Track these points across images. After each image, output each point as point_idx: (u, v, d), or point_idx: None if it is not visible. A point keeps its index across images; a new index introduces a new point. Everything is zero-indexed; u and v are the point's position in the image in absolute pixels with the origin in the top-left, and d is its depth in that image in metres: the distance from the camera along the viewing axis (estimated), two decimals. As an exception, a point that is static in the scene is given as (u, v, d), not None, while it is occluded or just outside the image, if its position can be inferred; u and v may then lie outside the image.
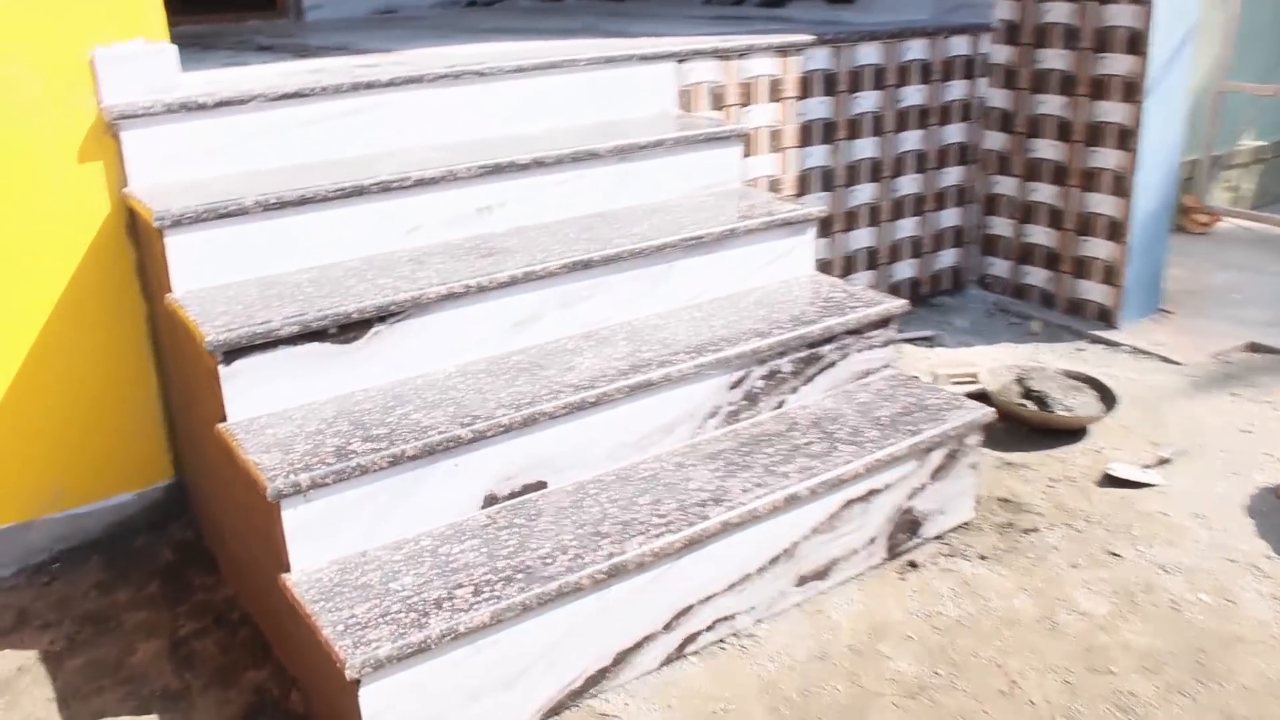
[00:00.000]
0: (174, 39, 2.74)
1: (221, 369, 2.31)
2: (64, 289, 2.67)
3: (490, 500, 2.39)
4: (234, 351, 2.31)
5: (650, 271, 2.85)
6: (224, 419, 2.35)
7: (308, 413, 2.37)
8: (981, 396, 3.52)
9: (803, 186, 3.88)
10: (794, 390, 2.83)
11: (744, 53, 3.58)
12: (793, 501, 2.45)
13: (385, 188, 2.69)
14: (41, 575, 2.78)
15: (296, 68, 3.18)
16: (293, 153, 2.84)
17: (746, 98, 3.64)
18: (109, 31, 2.60)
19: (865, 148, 4.01)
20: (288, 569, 2.18)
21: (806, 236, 3.15)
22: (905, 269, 4.30)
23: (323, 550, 2.21)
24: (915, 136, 4.13)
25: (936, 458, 2.75)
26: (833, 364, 2.89)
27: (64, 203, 2.62)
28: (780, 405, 2.81)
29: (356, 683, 1.96)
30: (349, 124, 2.90)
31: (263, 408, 2.37)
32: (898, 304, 2.96)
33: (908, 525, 2.75)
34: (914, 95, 4.07)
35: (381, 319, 2.47)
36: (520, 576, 2.15)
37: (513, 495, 2.42)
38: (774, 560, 2.49)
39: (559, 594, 2.13)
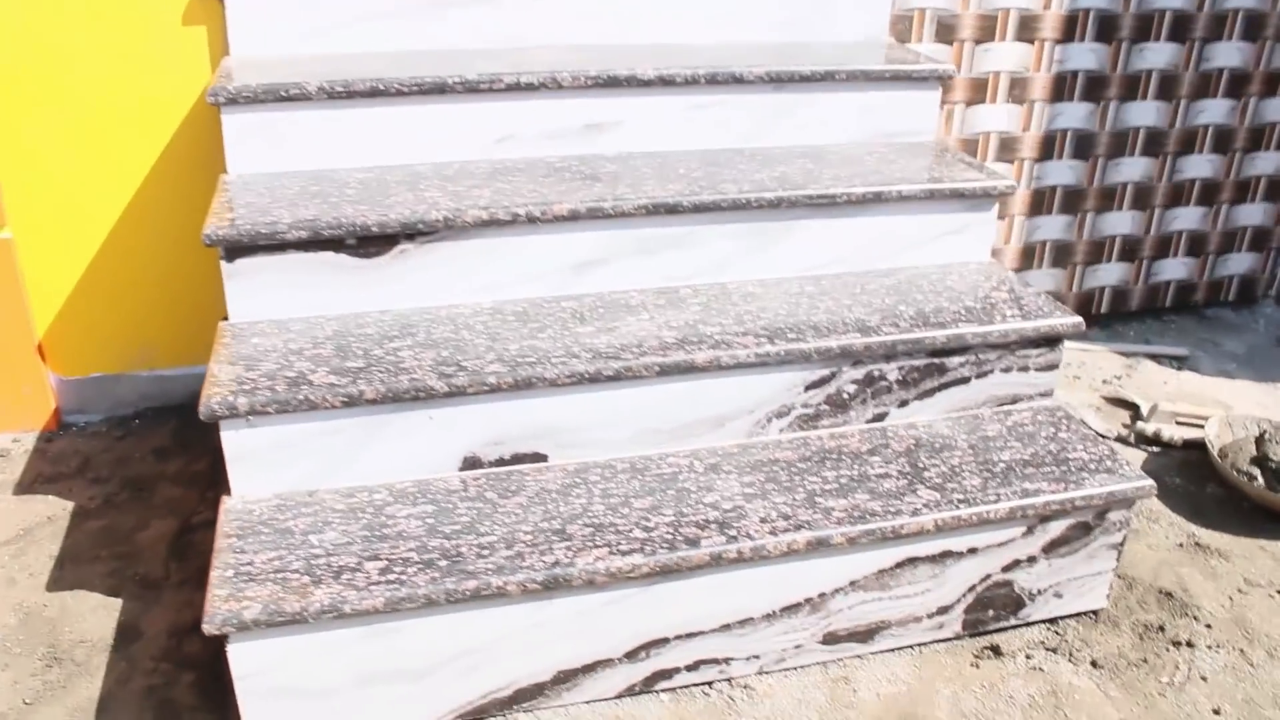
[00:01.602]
0: None
1: (224, 265, 2.15)
2: (161, 152, 2.61)
3: (471, 463, 2.10)
4: (236, 249, 2.14)
5: (760, 228, 2.39)
6: (226, 316, 2.21)
7: (306, 327, 2.18)
8: (1199, 449, 2.76)
9: (1046, 150, 3.16)
10: (902, 404, 2.30)
11: (989, -24, 2.91)
12: (820, 547, 1.97)
13: (471, 88, 2.39)
14: (121, 428, 2.83)
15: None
16: (410, 38, 2.60)
17: (987, 33, 2.97)
18: (221, -114, 2.46)
19: (1144, 113, 3.20)
20: (229, 492, 2.02)
21: (984, 215, 2.53)
22: (1174, 268, 3.46)
23: (270, 481, 2.02)
24: (1221, 107, 3.25)
25: (1056, 528, 2.14)
26: (963, 380, 2.32)
27: (166, 65, 2.54)
28: (879, 418, 2.29)
29: (225, 637, 1.78)
30: (479, 12, 2.61)
31: (264, 312, 2.20)
32: (1067, 321, 2.31)
33: (1002, 602, 2.17)
34: (1228, 54, 3.18)
35: (410, 237, 2.20)
36: (444, 564, 1.86)
37: (500, 463, 2.11)
38: (790, 609, 2.03)
39: (475, 595, 1.82)
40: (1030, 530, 2.12)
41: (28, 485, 2.60)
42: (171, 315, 2.78)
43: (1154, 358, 3.31)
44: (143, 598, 2.26)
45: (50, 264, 2.66)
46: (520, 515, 1.99)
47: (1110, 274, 3.40)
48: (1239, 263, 3.51)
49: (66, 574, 2.32)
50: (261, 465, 2.01)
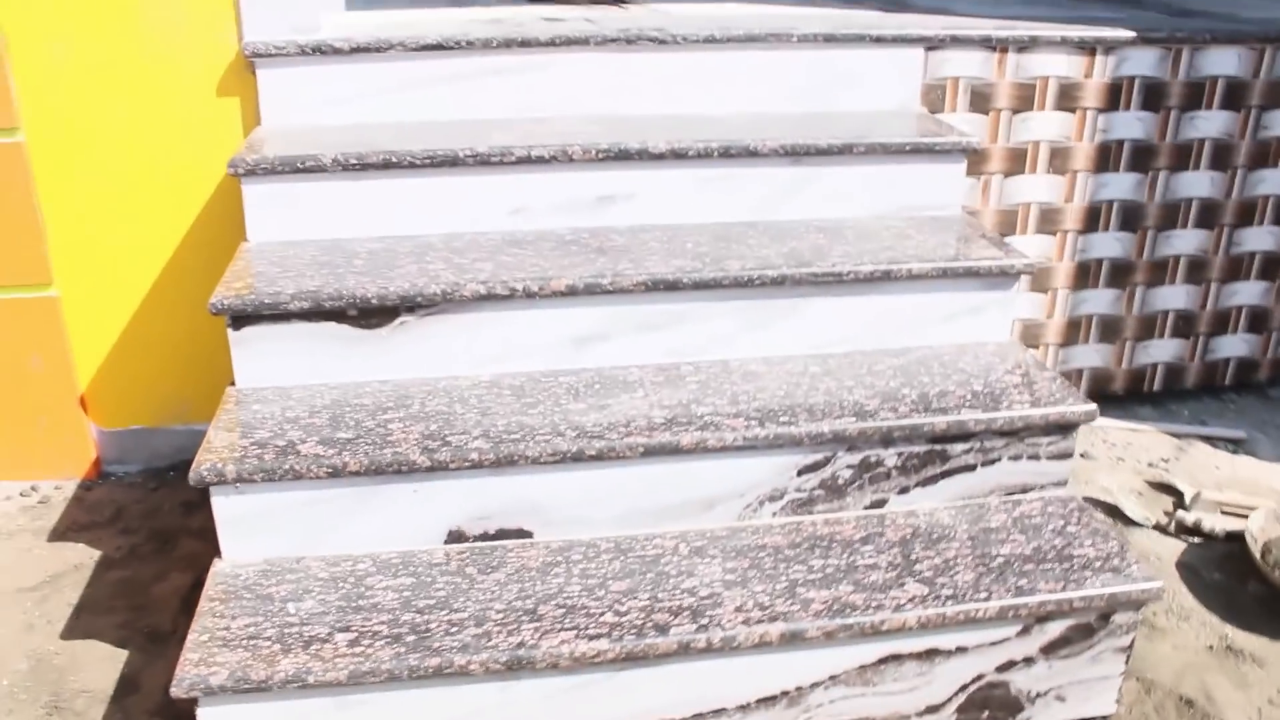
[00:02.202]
0: None
1: (230, 333, 2.23)
2: (197, 216, 2.72)
3: (456, 537, 2.11)
4: (242, 318, 2.21)
5: (764, 305, 2.37)
6: (233, 382, 2.28)
7: (306, 395, 2.23)
8: (1243, 542, 2.62)
9: (1091, 222, 3.06)
10: (903, 490, 2.24)
11: (1025, 45, 2.84)
12: (794, 640, 1.92)
13: (483, 161, 2.43)
14: (155, 479, 2.93)
15: (484, 15, 2.98)
16: (431, 108, 2.66)
17: (1024, 102, 2.90)
18: (256, -35, 2.56)
19: (1197, 183, 3.08)
20: (219, 555, 2.08)
21: (1005, 294, 2.46)
22: (1234, 344, 3.30)
23: (258, 546, 2.07)
24: (1283, 177, 3.11)
25: (1055, 629, 2.05)
26: (968, 468, 2.25)
27: (202, 134, 2.65)
28: (879, 505, 2.24)
29: (194, 700, 1.82)
30: (496, 83, 2.66)
31: (269, 379, 2.26)
32: (1080, 409, 2.23)
33: (998, 703, 2.09)
34: (1292, 123, 3.05)
35: (410, 309, 2.25)
36: (411, 639, 1.87)
37: (484, 538, 2.12)
38: (767, 701, 1.98)
39: (438, 673, 1.82)
40: (1026, 630, 2.04)
41: (61, 532, 2.71)
42: (207, 372, 2.86)
43: (1208, 440, 3.16)
44: (148, 651, 2.32)
45: (93, 320, 2.78)
46: (496, 592, 1.99)
47: (1163, 350, 3.26)
48: (1307, 340, 3.35)
49: (82, 623, 2.40)
50: (250, 531, 2.06)
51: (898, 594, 2.00)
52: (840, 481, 2.20)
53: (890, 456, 2.20)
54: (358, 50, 2.58)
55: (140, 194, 2.68)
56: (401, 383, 2.28)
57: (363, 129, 2.59)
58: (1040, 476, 2.29)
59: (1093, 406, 2.24)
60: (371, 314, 2.24)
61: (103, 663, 2.29)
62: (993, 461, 2.25)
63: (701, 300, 2.33)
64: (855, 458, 2.19)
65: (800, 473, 2.17)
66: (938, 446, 2.21)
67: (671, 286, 2.29)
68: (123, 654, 2.31)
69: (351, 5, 3.23)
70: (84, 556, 2.62)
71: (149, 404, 2.90)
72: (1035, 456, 2.27)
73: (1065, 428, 2.25)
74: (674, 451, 2.09)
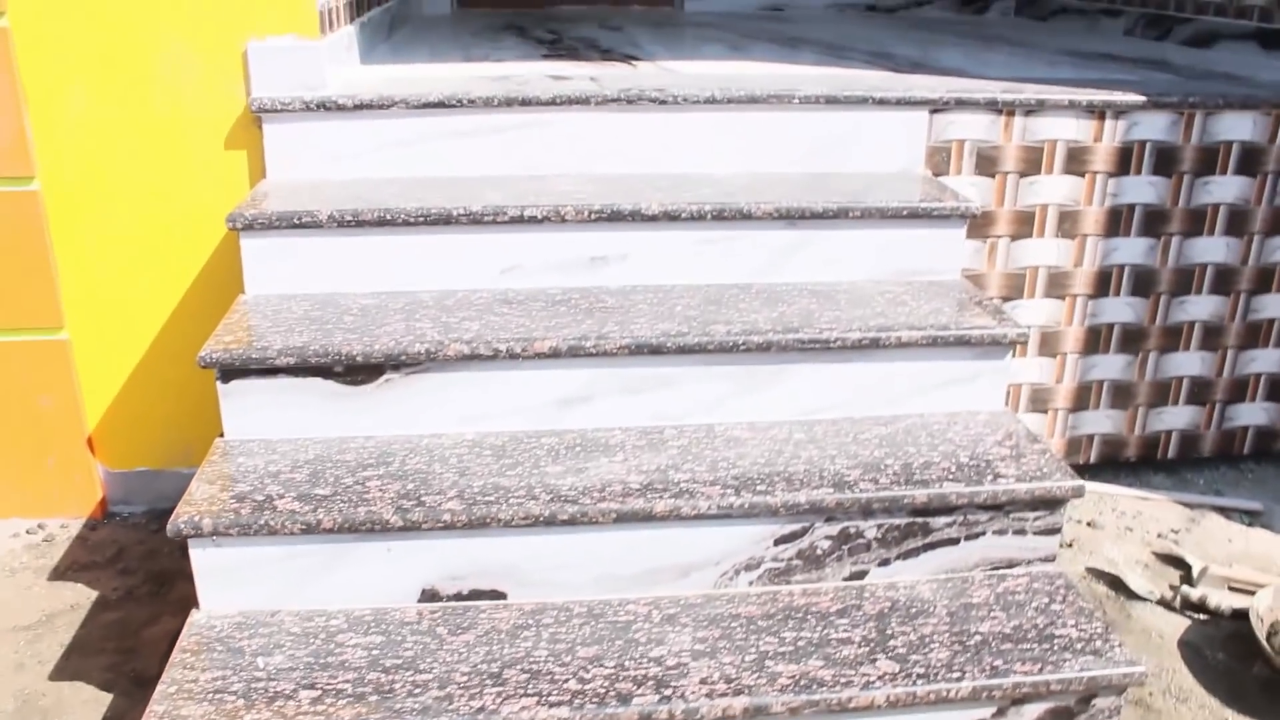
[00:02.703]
0: (484, 15, 2.71)
1: (219, 385, 2.26)
2: (204, 265, 2.78)
3: (430, 596, 2.12)
4: (230, 371, 2.25)
5: (750, 371, 2.36)
6: (222, 433, 2.31)
7: (291, 449, 2.26)
8: (1246, 621, 2.55)
9: (1101, 286, 3.01)
10: (883, 563, 2.21)
11: (1032, 109, 2.81)
12: (758, 715, 1.89)
13: (475, 220, 2.46)
14: (158, 521, 2.98)
15: (492, 71, 3.02)
16: (431, 164, 2.70)
17: (1032, 165, 2.87)
18: (264, 25, 2.61)
19: (1212, 249, 3.02)
20: (197, 605, 2.10)
21: (997, 363, 2.43)
22: (1254, 413, 3.22)
23: (235, 599, 2.10)
24: (1302, 244, 3.05)
25: (1032, 712, 2.00)
26: (951, 541, 2.21)
27: (210, 185, 2.71)
28: (858, 576, 2.21)
29: (156, 759, 1.84)
30: (496, 141, 2.69)
31: (255, 432, 2.30)
32: (1066, 484, 2.19)
33: (972, 784, 2.05)
34: (1308, 189, 2.99)
35: (395, 367, 2.27)
36: (374, 698, 1.88)
37: (458, 597, 2.13)
38: (731, 774, 1.96)
39: (395, 738, 1.83)
40: (1001, 712, 1.99)
41: (62, 571, 2.76)
42: (210, 417, 2.86)
43: (1222, 510, 3.08)
44: (131, 695, 2.35)
45: (102, 364, 2.85)
46: (464, 654, 1.99)
47: (1178, 417, 3.19)
48: (1330, 409, 3.26)
49: (71, 664, 2.44)
50: (227, 584, 2.08)
51: (868, 670, 1.97)
52: (819, 552, 2.18)
53: (870, 528, 2.18)
54: (361, 107, 2.62)
55: (149, 242, 2.75)
56: (385, 439, 2.30)
57: (364, 184, 2.63)
58: (1027, 551, 2.25)
59: (1080, 482, 2.20)
60: (357, 371, 2.26)
61: (87, 705, 2.32)
62: (977, 535, 2.22)
63: (687, 364, 2.32)
64: (834, 529, 2.16)
65: (777, 542, 2.16)
66: (919, 519, 2.18)
67: (656, 350, 2.29)
68: (107, 697, 2.35)
69: (370, 57, 3.31)
70: (81, 596, 2.67)
71: (154, 446, 2.95)
72: (1021, 531, 2.23)
73: (1052, 503, 2.21)
74: (647, 518, 2.08)
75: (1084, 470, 3.22)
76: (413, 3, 4.66)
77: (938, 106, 2.78)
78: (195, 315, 2.81)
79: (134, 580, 2.73)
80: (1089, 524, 3.01)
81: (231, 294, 2.68)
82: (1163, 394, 3.17)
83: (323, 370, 2.26)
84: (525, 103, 2.66)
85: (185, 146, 2.69)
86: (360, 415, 2.30)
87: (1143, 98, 2.83)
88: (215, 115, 2.66)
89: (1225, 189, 2.96)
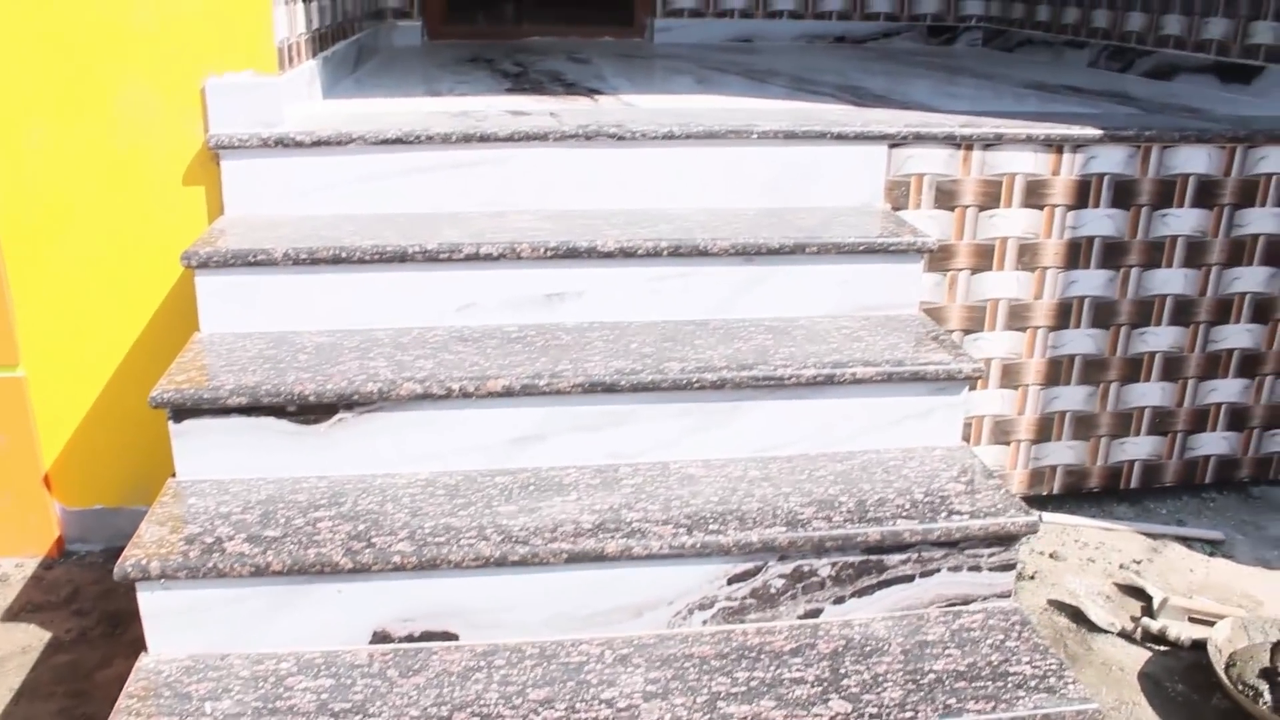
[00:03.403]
0: (454, 47, 2.72)
1: (171, 425, 2.25)
2: (162, 301, 2.76)
3: (381, 638, 2.10)
4: (182, 411, 2.23)
5: (705, 408, 2.35)
6: (174, 473, 2.30)
7: (243, 489, 2.24)
8: (1205, 652, 2.55)
9: (1061, 318, 3.02)
10: (838, 600, 2.20)
11: (990, 143, 2.83)
12: (708, 758, 1.89)
13: (432, 258, 2.45)
14: (115, 558, 2.94)
15: (453, 106, 3.03)
16: (390, 200, 2.70)
17: (991, 199, 2.88)
18: (223, 61, 2.61)
19: (1170, 280, 3.04)
20: (146, 649, 2.08)
21: (953, 399, 2.43)
22: (1215, 443, 3.23)
23: (184, 642, 2.07)
24: (1259, 275, 3.06)
25: (984, 752, 2.00)
26: (906, 579, 2.21)
27: (168, 221, 2.70)
28: (813, 615, 2.20)
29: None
30: (455, 177, 2.70)
31: (208, 472, 2.28)
32: (1020, 520, 2.19)
33: (926, 825, 2.03)
34: (1265, 221, 3.00)
35: (348, 407, 2.26)
36: (319, 749, 1.86)
37: (409, 639, 2.11)
38: (682, 818, 1.95)
39: (339, 787, 1.82)
40: (954, 752, 1.99)
41: (15, 613, 2.73)
42: (168, 454, 2.89)
43: (1184, 540, 3.09)
44: (81, 740, 2.33)
45: (59, 401, 2.83)
46: (414, 697, 1.98)
47: (1140, 447, 3.20)
48: (1290, 438, 3.27)
49: (20, 709, 2.41)
50: (175, 626, 2.06)
51: (820, 710, 1.96)
52: (772, 591, 2.17)
53: (824, 566, 2.17)
54: (319, 144, 2.62)
55: (107, 278, 2.73)
56: (337, 479, 2.28)
57: (322, 220, 2.63)
58: (982, 588, 2.25)
59: (1034, 518, 2.20)
60: (310, 410, 2.25)
61: (36, 752, 2.30)
62: (932, 572, 2.21)
63: (641, 402, 2.32)
64: (787, 567, 2.16)
65: (730, 581, 2.15)
66: (874, 557, 2.18)
67: (610, 389, 2.28)
68: (56, 743, 2.32)
69: (333, 91, 3.31)
70: (34, 638, 2.64)
71: (112, 484, 2.93)
72: (976, 568, 2.23)
73: (1006, 539, 2.21)
74: (599, 558, 2.07)
75: (1047, 501, 3.23)
76: (382, 34, 4.67)
77: (896, 141, 2.80)
78: (153, 351, 2.79)
79: (88, 621, 2.70)
80: (1051, 555, 3.01)
81: (190, 329, 2.67)
82: (1125, 424, 3.18)
83: (276, 410, 2.24)
84: (484, 139, 2.67)
85: (143, 182, 2.68)
86: (313, 454, 2.29)
87: (1099, 131, 2.85)
88: (174, 151, 2.66)
89: (1183, 221, 2.98)
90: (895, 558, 2.19)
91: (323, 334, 2.48)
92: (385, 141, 2.64)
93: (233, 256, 2.41)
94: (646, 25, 5.10)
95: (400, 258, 2.45)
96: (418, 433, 2.29)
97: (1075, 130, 2.86)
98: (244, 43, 2.61)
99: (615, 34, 5.13)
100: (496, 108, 3.01)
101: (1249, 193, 2.98)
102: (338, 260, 2.44)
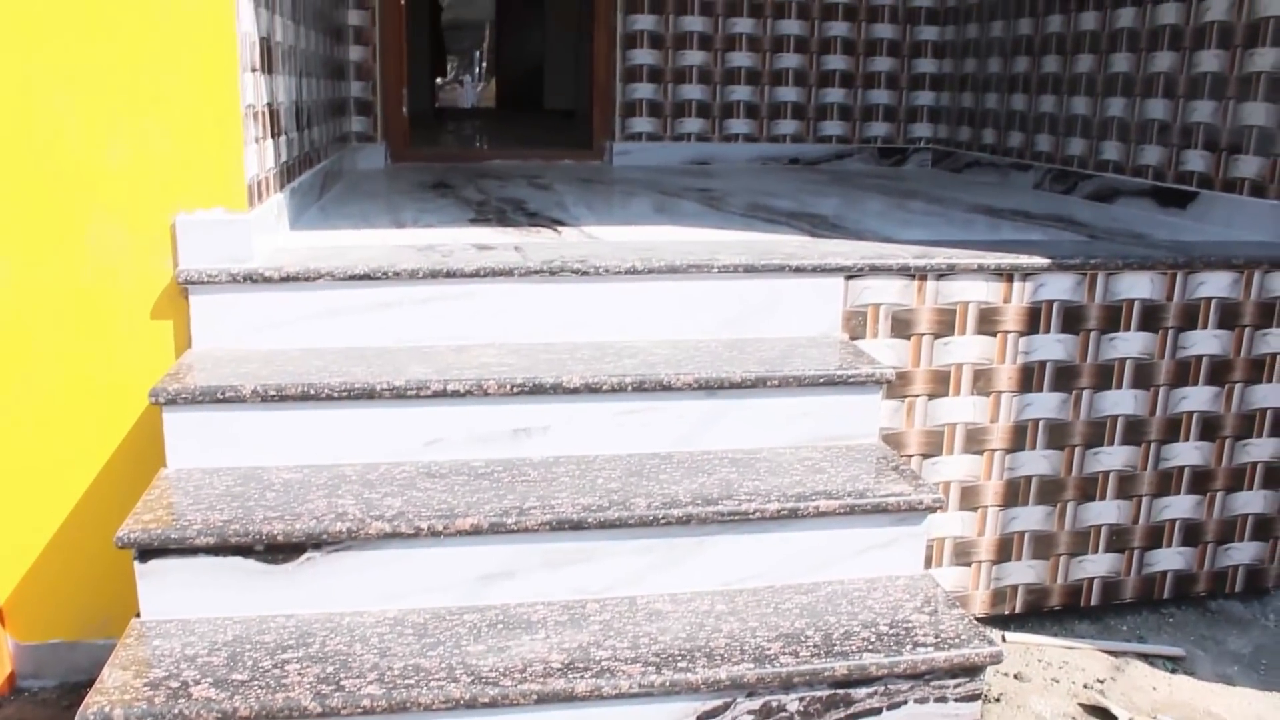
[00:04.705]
0: (417, 170, 2.77)
1: (136, 565, 2.24)
2: (126, 435, 2.76)
3: (346, 787, 2.08)
4: (148, 551, 2.23)
5: (671, 544, 2.38)
6: (139, 614, 2.27)
7: (209, 630, 2.22)
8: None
9: (1017, 440, 3.10)
10: (807, 734, 2.21)
11: (943, 273, 2.93)
12: None
13: (399, 394, 2.48)
14: (70, 695, 2.89)
15: (419, 240, 3.09)
16: (358, 335, 2.74)
17: (946, 327, 2.98)
18: (193, 198, 2.66)
19: (1121, 402, 3.13)
20: (105, 804, 2.04)
21: (914, 528, 2.48)
22: (1171, 558, 3.30)
23: (144, 795, 2.04)
24: (1205, 394, 3.17)
25: None
26: (873, 712, 2.22)
27: (135, 354, 2.71)
28: (783, 749, 2.20)
29: None
30: (421, 311, 2.75)
31: (173, 612, 2.26)
32: (984, 651, 2.22)
33: None
34: (1207, 343, 3.12)
35: (315, 546, 2.26)
36: None
37: (376, 787, 2.09)
38: None
39: None
40: None
41: (-35, 756, 2.66)
42: (129, 586, 2.85)
43: (1146, 658, 3.12)
44: None
45: (15, 534, 2.79)
46: None
47: (1099, 565, 3.26)
48: (1243, 552, 3.34)
49: None
50: (136, 780, 2.02)
51: None
52: (741, 727, 2.17)
53: (792, 701, 2.18)
54: (287, 279, 2.67)
55: (70, 412, 2.73)
56: (305, 618, 2.27)
57: (290, 355, 2.65)
58: (949, 718, 2.26)
59: (998, 649, 2.23)
60: (278, 550, 2.25)
61: None
62: (899, 704, 2.23)
63: (608, 539, 2.34)
64: (755, 703, 2.16)
65: (699, 718, 2.15)
66: (841, 690, 2.19)
67: (577, 526, 2.31)
68: None
69: (299, 222, 3.37)
70: (-15, 785, 2.57)
71: (70, 618, 2.88)
72: (943, 699, 2.25)
73: (971, 670, 2.24)
74: (569, 698, 2.07)
75: (1010, 620, 3.26)
76: (347, 157, 4.76)
77: (853, 273, 2.89)
78: (116, 485, 2.78)
79: (44, 763, 2.64)
80: (1016, 676, 3.03)
81: (154, 465, 2.66)
82: (1083, 543, 3.24)
83: (244, 550, 2.24)
84: (450, 274, 2.72)
85: (111, 315, 2.70)
86: (281, 594, 2.28)
87: (1048, 260, 2.97)
88: (142, 285, 2.69)
89: (1130, 344, 3.09)
90: (862, 691, 2.20)
91: (291, 469, 2.49)
92: (353, 277, 2.69)
93: (201, 394, 2.43)
94: (605, 149, 5.23)
95: (369, 394, 2.48)
96: (386, 571, 2.29)
97: (1024, 259, 2.97)
98: (215, 180, 2.67)
99: (575, 157, 5.26)
100: (461, 241, 3.08)
101: (1191, 316, 3.10)
102: (306, 397, 2.46)
